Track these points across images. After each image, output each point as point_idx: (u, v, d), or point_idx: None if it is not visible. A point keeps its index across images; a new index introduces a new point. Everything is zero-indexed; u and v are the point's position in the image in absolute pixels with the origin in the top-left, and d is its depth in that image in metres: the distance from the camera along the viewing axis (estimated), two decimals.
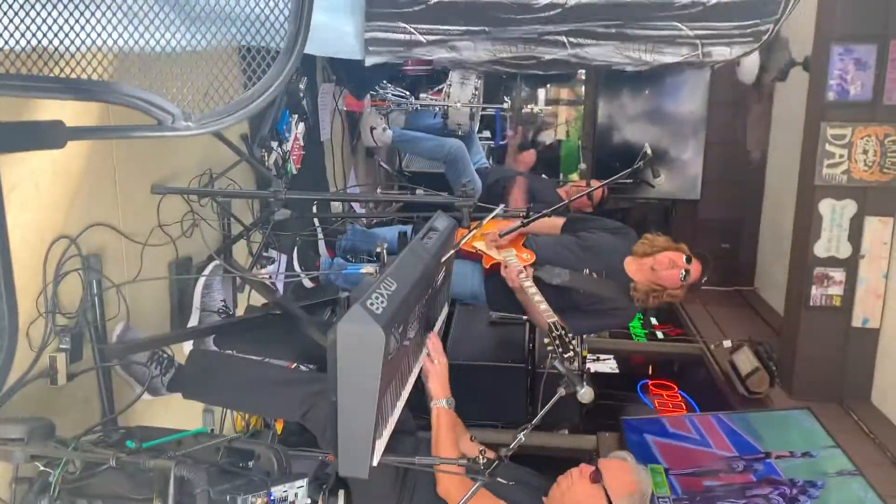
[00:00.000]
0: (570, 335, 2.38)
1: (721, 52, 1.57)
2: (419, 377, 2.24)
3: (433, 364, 2.19)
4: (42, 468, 1.72)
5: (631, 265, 3.09)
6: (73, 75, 0.97)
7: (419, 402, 2.32)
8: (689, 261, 2.95)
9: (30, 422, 1.76)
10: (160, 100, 0.99)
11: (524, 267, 2.95)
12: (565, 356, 2.33)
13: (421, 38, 1.60)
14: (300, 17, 1.00)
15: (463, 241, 2.51)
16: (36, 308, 1.91)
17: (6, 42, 0.91)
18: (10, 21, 0.92)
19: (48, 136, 0.89)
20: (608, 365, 5.26)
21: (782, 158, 5.04)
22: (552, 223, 3.38)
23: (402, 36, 1.62)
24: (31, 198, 1.91)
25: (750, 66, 4.31)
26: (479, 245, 3.22)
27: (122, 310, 2.21)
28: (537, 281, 2.93)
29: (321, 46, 1.56)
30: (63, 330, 1.99)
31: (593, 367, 4.92)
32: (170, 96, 1.00)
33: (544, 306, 2.72)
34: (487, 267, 3.15)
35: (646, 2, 1.45)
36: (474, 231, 2.72)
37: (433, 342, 2.19)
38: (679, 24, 1.50)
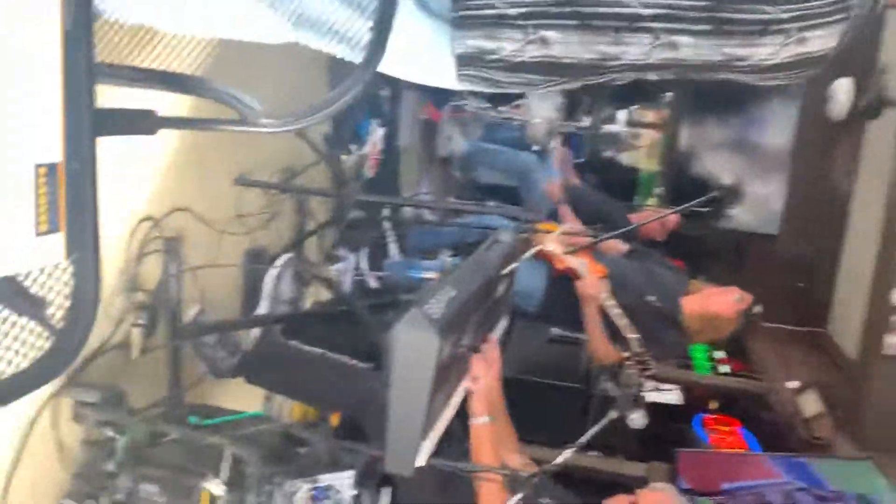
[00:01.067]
0: (648, 356, 2.38)
1: (817, 40, 1.49)
2: None
3: (474, 383, 2.19)
4: (111, 433, 1.83)
5: (685, 306, 3.09)
6: (169, 69, 1.05)
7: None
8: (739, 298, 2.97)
9: (103, 389, 1.88)
10: (246, 97, 1.07)
11: (601, 278, 2.95)
12: (646, 373, 2.32)
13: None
14: (381, 34, 1.07)
15: (526, 258, 2.54)
16: (118, 283, 2.04)
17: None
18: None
19: (141, 123, 0.97)
20: (667, 396, 5.15)
21: (868, 201, 4.86)
22: (616, 246, 3.39)
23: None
24: (120, 179, 2.04)
25: (841, 103, 4.21)
26: (552, 247, 3.20)
27: (197, 293, 2.33)
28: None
29: (421, 75, 1.60)
30: (141, 307, 2.11)
31: (651, 396, 4.83)
32: (254, 94, 1.08)
33: (625, 321, 2.70)
34: (560, 269, 3.13)
35: None
36: (535, 250, 2.74)
37: (476, 363, 2.19)
38: (768, 7, 1.45)
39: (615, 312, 2.82)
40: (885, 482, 3.29)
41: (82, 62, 0.79)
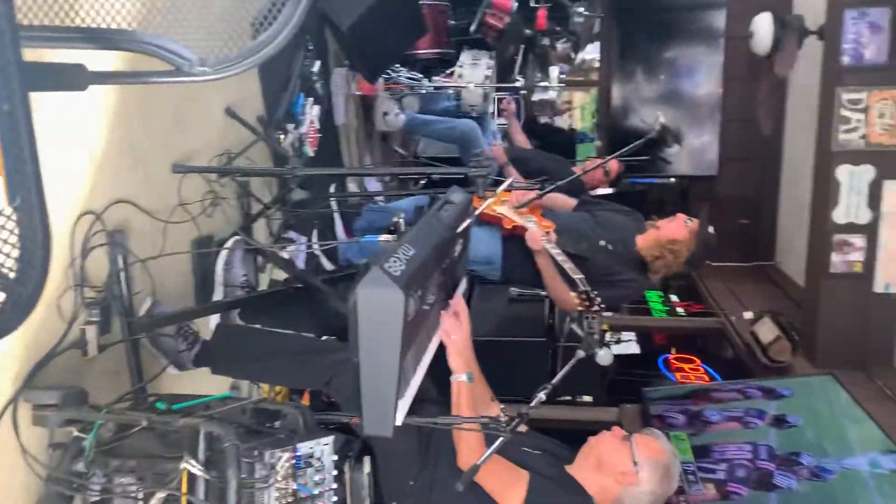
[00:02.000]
0: (595, 293, 2.43)
1: None
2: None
3: (450, 339, 2.20)
4: (76, 433, 1.77)
5: (639, 241, 3.18)
6: (94, 24, 1.01)
7: (443, 377, 2.35)
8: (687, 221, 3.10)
9: (63, 388, 1.82)
10: (177, 46, 1.03)
11: (546, 232, 3.02)
12: (592, 310, 2.37)
13: None
14: None
15: (479, 212, 2.55)
16: (65, 281, 1.97)
17: None
18: None
19: (71, 78, 0.93)
20: (628, 347, 5.26)
21: (799, 129, 5.01)
22: (565, 202, 3.45)
23: None
24: (55, 173, 1.96)
25: (763, 37, 4.29)
26: (500, 209, 3.25)
27: (148, 285, 2.26)
28: None
29: None
30: (92, 303, 2.04)
31: (614, 349, 4.92)
32: (185, 43, 1.04)
33: (570, 265, 2.77)
34: (509, 228, 3.19)
35: None
36: (490, 201, 2.75)
37: (445, 318, 2.20)
38: None
39: (561, 259, 2.91)
40: (847, 396, 3.41)
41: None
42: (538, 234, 3.00)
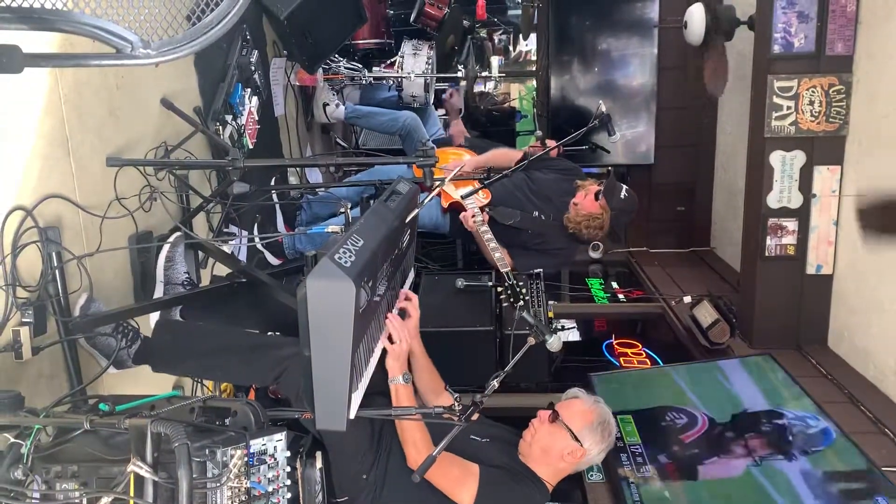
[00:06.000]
0: (521, 284, 2.54)
1: None
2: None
3: (391, 344, 2.19)
4: (13, 440, 1.69)
5: (565, 216, 3.45)
6: (27, 4, 0.95)
7: None
8: (598, 195, 3.36)
9: None
10: (118, 28, 0.98)
11: (480, 209, 3.18)
12: (516, 305, 2.46)
13: None
14: None
15: (426, 202, 2.55)
16: None
17: None
18: None
19: (5, 60, 0.87)
20: (570, 334, 5.32)
21: (731, 118, 5.15)
22: (508, 156, 3.61)
23: None
24: None
25: (697, 27, 4.39)
26: (450, 189, 3.40)
27: (85, 283, 2.17)
28: (492, 221, 3.24)
29: None
30: (25, 303, 1.95)
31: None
32: (127, 24, 0.99)
33: (498, 254, 2.93)
34: (445, 206, 3.38)
35: None
36: (436, 192, 2.78)
37: (392, 322, 2.18)
38: None
39: (492, 246, 3.04)
40: (783, 374, 3.52)
41: None
42: (470, 217, 3.19)
